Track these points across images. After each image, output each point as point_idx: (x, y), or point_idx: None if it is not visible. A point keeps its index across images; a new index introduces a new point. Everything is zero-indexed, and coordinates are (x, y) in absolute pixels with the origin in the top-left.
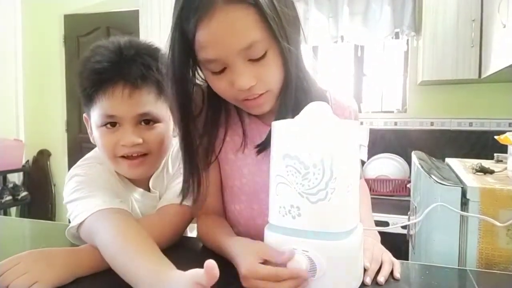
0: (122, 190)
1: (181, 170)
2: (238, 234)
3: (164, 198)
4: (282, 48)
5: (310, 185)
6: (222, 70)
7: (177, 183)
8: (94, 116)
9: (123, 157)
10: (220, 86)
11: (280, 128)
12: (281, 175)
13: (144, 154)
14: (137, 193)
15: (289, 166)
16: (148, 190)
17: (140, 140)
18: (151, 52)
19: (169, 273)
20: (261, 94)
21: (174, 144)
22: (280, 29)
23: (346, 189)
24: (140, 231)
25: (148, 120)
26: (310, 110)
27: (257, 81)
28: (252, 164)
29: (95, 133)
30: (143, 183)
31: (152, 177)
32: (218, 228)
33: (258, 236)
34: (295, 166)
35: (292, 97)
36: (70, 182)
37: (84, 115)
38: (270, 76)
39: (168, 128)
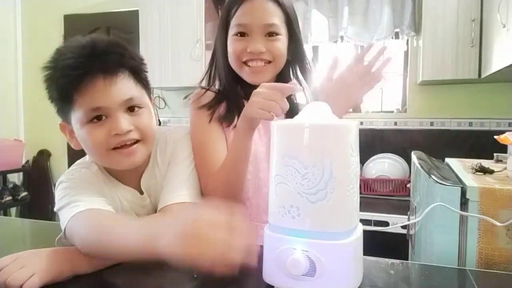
0: (110, 190)
1: (178, 168)
2: (250, 205)
3: (166, 197)
4: (291, 38)
5: (309, 185)
6: (243, 35)
7: (176, 179)
8: (77, 116)
9: (115, 148)
10: (238, 46)
11: (279, 128)
12: (280, 175)
13: (137, 141)
14: (128, 193)
15: (288, 166)
16: (138, 188)
17: (132, 127)
18: (120, 43)
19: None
20: (264, 64)
21: (162, 137)
22: (293, 24)
23: (345, 189)
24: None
25: (133, 107)
26: (309, 109)
27: (266, 50)
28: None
29: (81, 133)
30: (133, 181)
31: (143, 175)
32: None
33: (266, 205)
34: (295, 166)
35: (290, 76)
36: (56, 191)
37: (60, 122)
38: (278, 50)
39: (152, 114)
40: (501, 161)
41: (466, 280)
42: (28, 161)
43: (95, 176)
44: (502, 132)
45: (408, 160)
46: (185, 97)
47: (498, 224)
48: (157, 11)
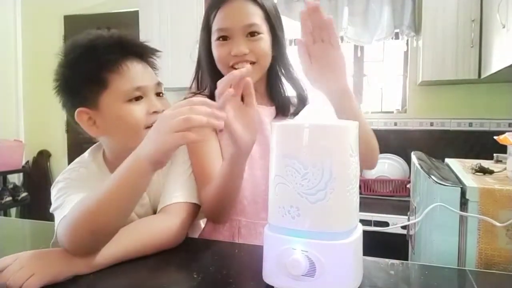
0: None
1: (178, 169)
2: (247, 203)
3: (166, 197)
4: (273, 35)
5: (309, 185)
6: (225, 39)
7: (176, 180)
8: (111, 97)
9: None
10: (221, 51)
11: (279, 128)
12: (280, 175)
13: None
14: None
15: (288, 166)
16: None
17: (163, 107)
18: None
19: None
20: (250, 64)
21: None
22: (274, 23)
23: (345, 189)
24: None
25: (160, 92)
26: (309, 110)
27: (249, 51)
28: None
29: (118, 112)
30: None
31: None
32: None
33: (264, 203)
34: (295, 166)
35: (279, 70)
36: (53, 190)
37: (79, 109)
38: (261, 50)
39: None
40: (500, 161)
41: (466, 280)
42: (28, 161)
43: (93, 175)
44: (502, 132)
45: (408, 161)
46: (185, 98)
47: (498, 224)
48: (157, 12)
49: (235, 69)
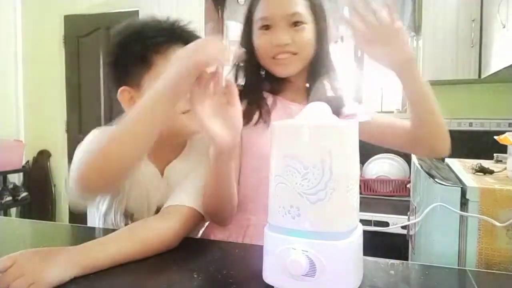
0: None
1: (199, 173)
2: (257, 203)
3: (176, 197)
4: (317, 25)
5: (309, 185)
6: (268, 28)
7: (187, 186)
8: (155, 77)
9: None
10: (262, 41)
11: (279, 128)
12: (280, 175)
13: None
14: (148, 168)
15: (288, 166)
16: (162, 170)
17: None
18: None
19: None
20: (291, 55)
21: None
22: (319, 13)
23: (345, 189)
24: None
25: None
26: (309, 110)
27: (292, 42)
28: (261, 137)
29: None
30: (160, 162)
31: (173, 161)
32: None
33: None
34: (295, 166)
35: (321, 65)
36: (74, 157)
37: (124, 88)
38: (303, 41)
39: None
40: (501, 161)
41: (466, 280)
42: (28, 161)
43: None
44: (503, 132)
45: (408, 160)
46: None
47: (498, 224)
48: (157, 12)
49: (277, 59)
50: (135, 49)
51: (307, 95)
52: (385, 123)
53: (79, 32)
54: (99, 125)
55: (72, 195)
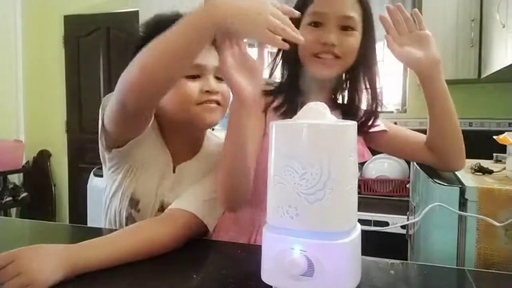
0: (150, 144)
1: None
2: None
3: (183, 201)
4: (365, 37)
5: (307, 185)
6: (317, 25)
7: (200, 190)
8: None
9: (200, 104)
10: (310, 37)
11: (278, 128)
12: (278, 175)
13: (218, 104)
14: (163, 157)
15: (287, 166)
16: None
17: (219, 90)
18: None
19: None
20: (334, 57)
21: (217, 141)
22: (370, 22)
23: (344, 189)
24: None
25: (219, 77)
26: (308, 110)
27: (338, 44)
28: None
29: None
30: (176, 159)
31: (188, 161)
32: None
33: None
34: (293, 166)
35: (358, 76)
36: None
37: None
38: (350, 46)
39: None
40: (500, 161)
41: (464, 280)
42: (28, 161)
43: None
44: (502, 132)
45: (408, 160)
46: None
47: (496, 224)
48: (157, 11)
49: (319, 58)
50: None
51: (334, 100)
52: (402, 135)
53: (79, 32)
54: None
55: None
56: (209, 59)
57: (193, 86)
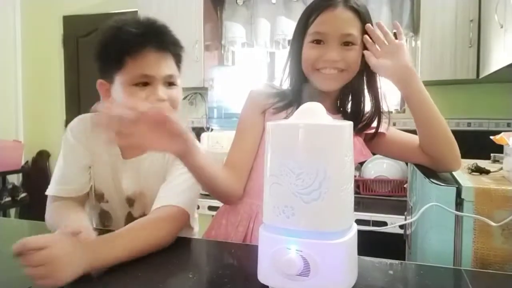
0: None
1: (184, 176)
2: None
3: (163, 197)
4: (365, 47)
5: (303, 185)
6: (319, 43)
7: (177, 184)
8: (123, 77)
9: None
10: (312, 54)
11: (274, 128)
12: (275, 175)
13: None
14: (114, 152)
15: (283, 166)
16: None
17: (166, 97)
18: (169, 28)
19: None
20: (338, 72)
21: None
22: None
23: (339, 189)
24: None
25: (172, 83)
26: (304, 110)
27: (341, 59)
28: None
29: (122, 92)
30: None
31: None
32: None
33: None
34: (289, 166)
35: (361, 84)
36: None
37: (100, 81)
38: (352, 60)
39: (181, 93)
40: (498, 161)
41: (461, 280)
42: (27, 162)
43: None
44: (501, 132)
45: None
46: (184, 98)
47: (493, 224)
48: (156, 12)
49: (321, 73)
50: (110, 50)
51: (338, 107)
52: (399, 137)
53: (78, 32)
54: None
55: None
56: (157, 68)
57: (140, 95)
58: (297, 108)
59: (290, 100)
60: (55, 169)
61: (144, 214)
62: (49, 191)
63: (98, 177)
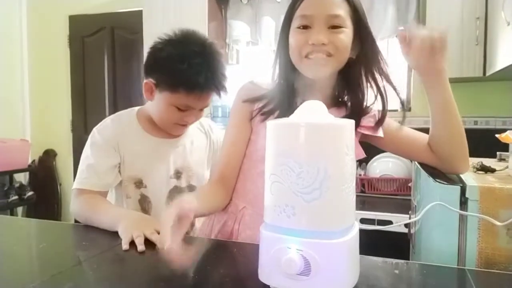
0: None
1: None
2: (256, 195)
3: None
4: (358, 32)
5: (304, 184)
6: (306, 28)
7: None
8: (171, 99)
9: (177, 124)
10: (299, 39)
11: (274, 127)
12: (275, 174)
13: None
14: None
15: (283, 165)
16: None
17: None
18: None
19: None
20: (326, 56)
21: (207, 121)
22: (361, 18)
23: (340, 188)
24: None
25: (201, 108)
26: (304, 108)
27: (329, 42)
28: None
29: (163, 106)
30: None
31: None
32: None
33: None
34: (289, 165)
35: (359, 74)
36: (89, 138)
37: (150, 80)
38: (340, 43)
39: None
40: (504, 159)
41: (465, 279)
42: (34, 160)
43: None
44: (507, 130)
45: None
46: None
47: (498, 223)
48: (161, 12)
49: (309, 59)
50: (172, 69)
51: (338, 99)
52: (406, 135)
53: (84, 32)
54: None
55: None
56: (198, 103)
57: (176, 115)
58: (285, 107)
59: (279, 100)
60: (80, 165)
61: (190, 185)
62: (80, 185)
63: (134, 168)
